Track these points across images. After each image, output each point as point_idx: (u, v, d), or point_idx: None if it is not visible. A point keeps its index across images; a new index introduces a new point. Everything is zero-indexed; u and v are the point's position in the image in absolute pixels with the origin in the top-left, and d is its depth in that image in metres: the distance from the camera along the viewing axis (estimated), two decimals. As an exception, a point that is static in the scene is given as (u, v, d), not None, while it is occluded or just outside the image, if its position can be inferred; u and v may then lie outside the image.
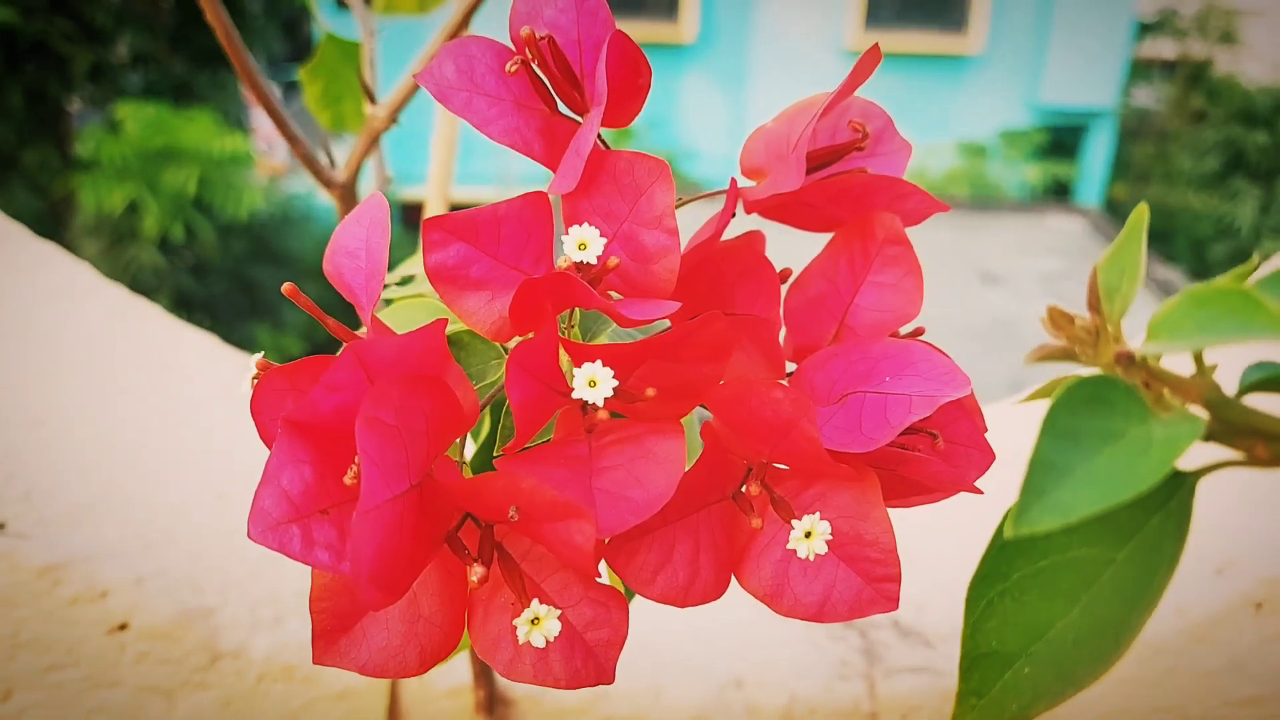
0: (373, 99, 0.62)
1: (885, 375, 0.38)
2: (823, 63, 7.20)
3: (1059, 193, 7.61)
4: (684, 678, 0.77)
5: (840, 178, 0.39)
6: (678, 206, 0.43)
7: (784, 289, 0.43)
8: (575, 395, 0.33)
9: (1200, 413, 0.24)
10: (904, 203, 0.39)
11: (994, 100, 7.41)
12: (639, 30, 7.27)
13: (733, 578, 0.38)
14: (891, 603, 0.37)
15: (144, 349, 0.86)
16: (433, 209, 0.78)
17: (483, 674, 0.72)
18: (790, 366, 0.41)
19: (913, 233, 0.40)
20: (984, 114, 7.40)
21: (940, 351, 0.38)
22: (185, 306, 4.83)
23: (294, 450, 0.32)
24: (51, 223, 4.86)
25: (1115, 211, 7.43)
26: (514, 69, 0.36)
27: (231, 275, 5.10)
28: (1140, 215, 0.25)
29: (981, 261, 5.92)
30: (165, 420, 0.80)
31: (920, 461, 0.37)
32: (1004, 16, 7.31)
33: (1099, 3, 7.17)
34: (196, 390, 0.86)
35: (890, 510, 0.42)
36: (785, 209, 0.41)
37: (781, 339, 0.42)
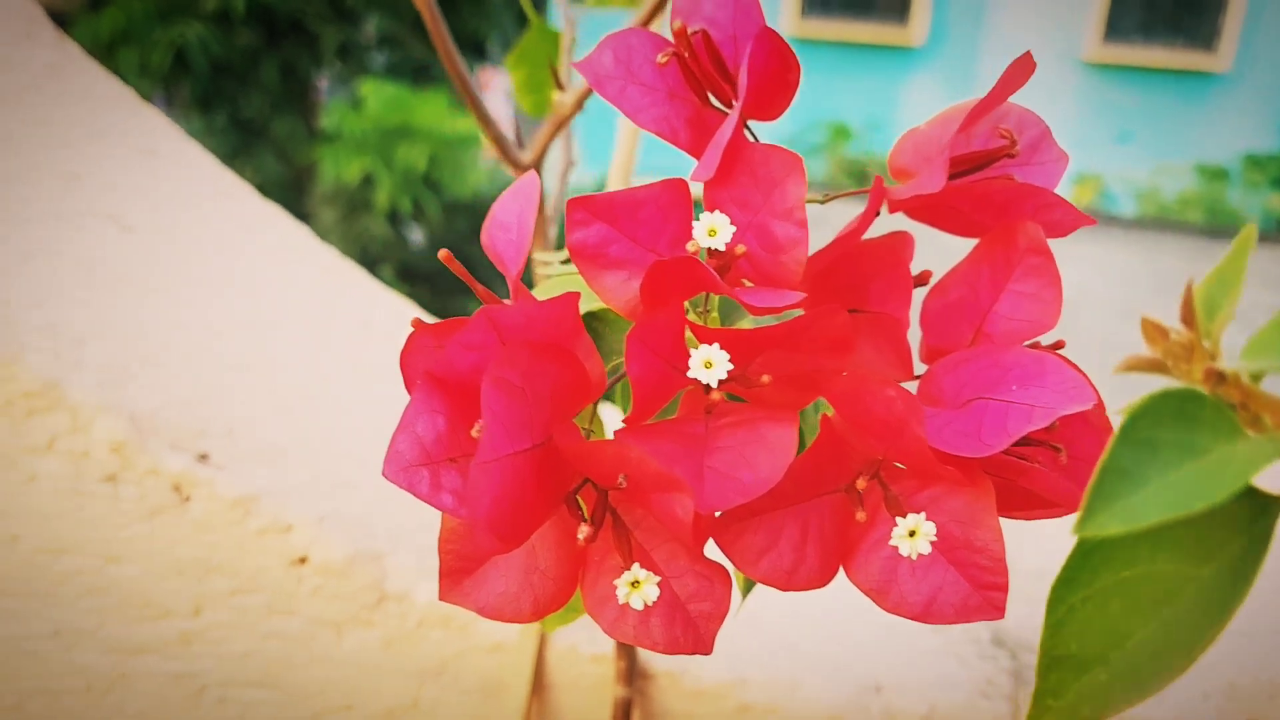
0: (561, 87, 0.65)
1: (1013, 384, 0.38)
2: (1058, 74, 6.89)
3: (1308, 225, 7.04)
4: (823, 676, 0.77)
5: (983, 183, 0.39)
6: (825, 201, 0.44)
7: (925, 290, 0.43)
8: (690, 375, 0.35)
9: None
10: (1048, 213, 0.39)
11: (1240, 121, 6.90)
12: (867, 32, 7.16)
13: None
14: (998, 611, 0.37)
15: (347, 309, 0.93)
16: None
17: (624, 645, 0.74)
18: (922, 368, 0.41)
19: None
20: (1227, 136, 6.91)
21: (1075, 366, 0.38)
22: (408, 278, 5.08)
23: (430, 401, 0.35)
24: (295, 190, 5.21)
25: (1372, 247, 6.81)
26: (664, 61, 0.38)
27: (453, 250, 5.32)
28: (1248, 234, 0.24)
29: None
30: (359, 375, 0.87)
31: (1038, 474, 0.37)
32: (1256, 34, 6.80)
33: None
34: (389, 350, 0.92)
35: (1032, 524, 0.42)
36: (930, 211, 0.42)
37: (916, 341, 0.42)
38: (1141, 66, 6.93)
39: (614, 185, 0.79)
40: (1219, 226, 6.79)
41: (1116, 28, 6.92)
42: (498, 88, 6.45)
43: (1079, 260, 5.29)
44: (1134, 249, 5.81)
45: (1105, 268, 5.36)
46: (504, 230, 0.40)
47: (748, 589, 0.51)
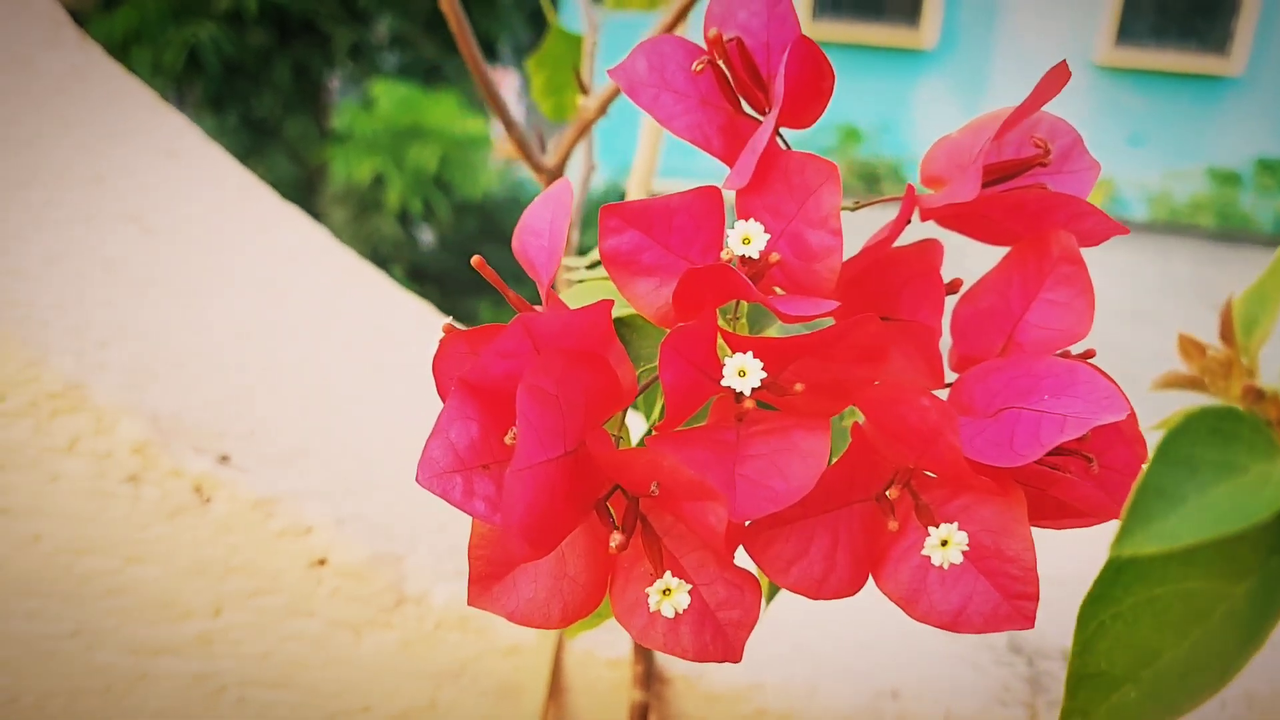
0: (585, 91, 0.65)
1: (1045, 393, 0.37)
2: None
3: (1320, 230, 7.00)
4: (840, 682, 0.77)
5: (1016, 192, 0.39)
6: (856, 209, 0.44)
7: (955, 299, 0.43)
8: (724, 383, 0.35)
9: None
10: (1081, 222, 0.39)
11: (1252, 125, 6.87)
12: (878, 34, 7.15)
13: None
14: (1028, 621, 0.37)
15: (366, 311, 0.93)
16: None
17: (642, 650, 0.74)
18: (953, 377, 0.41)
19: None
20: (1240, 140, 6.89)
21: (1106, 376, 0.38)
22: (418, 278, 5.08)
23: (464, 408, 0.35)
24: (306, 190, 5.21)
25: (1388, 253, 6.76)
26: (700, 68, 0.38)
27: (463, 251, 5.34)
28: (1292, 249, 0.24)
29: (1220, 296, 5.52)
30: (378, 378, 0.87)
31: (1070, 483, 0.37)
32: (1269, 37, 6.78)
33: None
34: (408, 353, 0.92)
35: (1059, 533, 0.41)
36: (962, 219, 0.42)
37: (946, 349, 0.42)
38: (1153, 70, 6.91)
39: (635, 189, 0.79)
40: (1230, 231, 6.76)
41: (1128, 31, 6.90)
42: (507, 88, 6.46)
43: (1089, 264, 5.28)
44: (1145, 253, 5.79)
45: (1115, 272, 5.34)
46: (536, 237, 0.40)
47: (771, 596, 0.51)
